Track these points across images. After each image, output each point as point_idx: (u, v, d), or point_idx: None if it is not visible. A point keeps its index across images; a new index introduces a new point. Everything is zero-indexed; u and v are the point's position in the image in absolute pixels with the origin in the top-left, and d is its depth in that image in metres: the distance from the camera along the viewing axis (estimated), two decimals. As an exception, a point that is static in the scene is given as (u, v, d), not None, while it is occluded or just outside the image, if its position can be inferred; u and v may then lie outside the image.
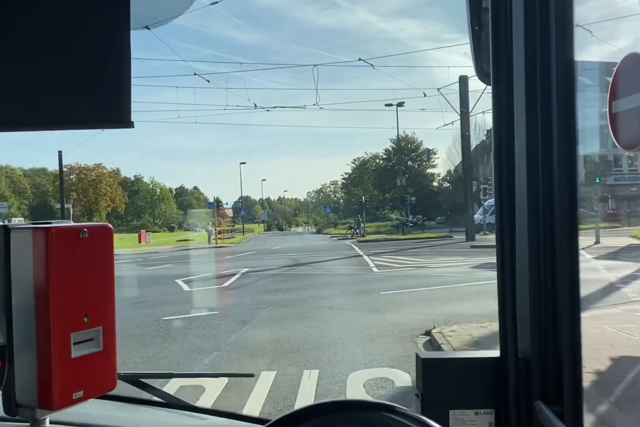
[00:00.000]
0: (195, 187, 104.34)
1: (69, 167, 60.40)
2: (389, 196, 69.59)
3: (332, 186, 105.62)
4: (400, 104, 43.75)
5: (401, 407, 0.87)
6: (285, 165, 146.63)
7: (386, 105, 44.83)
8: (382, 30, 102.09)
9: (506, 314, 1.18)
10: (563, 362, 1.13)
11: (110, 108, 0.95)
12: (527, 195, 1.14)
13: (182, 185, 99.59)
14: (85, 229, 1.07)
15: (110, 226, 1.14)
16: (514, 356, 1.17)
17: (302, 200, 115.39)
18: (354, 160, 75.24)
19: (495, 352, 1.20)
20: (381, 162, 72.04)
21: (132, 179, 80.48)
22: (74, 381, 1.06)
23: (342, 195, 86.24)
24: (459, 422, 1.19)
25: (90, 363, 1.09)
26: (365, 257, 20.50)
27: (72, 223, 1.09)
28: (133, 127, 0.97)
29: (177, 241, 41.94)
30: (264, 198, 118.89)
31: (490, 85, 1.18)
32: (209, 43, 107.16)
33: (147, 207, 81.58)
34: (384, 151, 71.72)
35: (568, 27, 1.10)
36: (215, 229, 38.92)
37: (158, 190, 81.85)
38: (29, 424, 1.08)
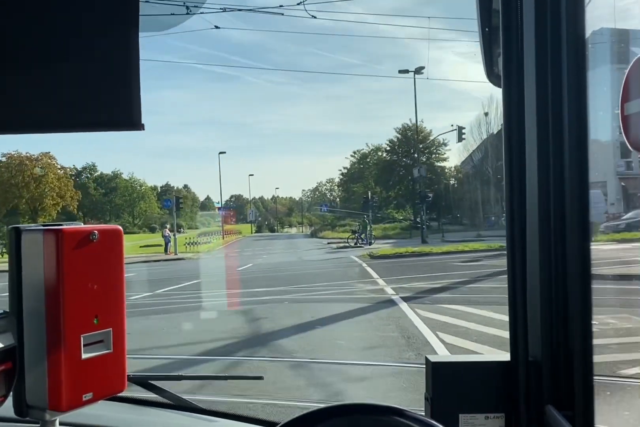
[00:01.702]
0: (185, 186, 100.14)
1: (7, 156, 47.62)
2: (392, 194, 63.26)
3: (328, 184, 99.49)
4: (418, 71, 31.23)
5: (411, 411, 0.89)
6: (281, 164, 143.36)
7: (400, 72, 32.27)
8: (378, 29, 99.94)
9: (517, 318, 1.21)
10: (574, 366, 1.14)
11: (120, 110, 0.98)
12: (539, 197, 1.16)
13: (167, 182, 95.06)
14: (95, 231, 1.10)
15: (120, 228, 1.17)
16: (524, 359, 1.19)
17: (297, 199, 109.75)
18: (354, 153, 67.93)
19: (505, 356, 1.22)
20: (384, 155, 64.94)
21: (110, 174, 74.10)
22: (84, 382, 1.09)
23: (339, 193, 75.33)
24: (469, 426, 1.20)
25: (100, 365, 1.11)
26: (405, 306, 9.99)
27: (82, 225, 1.12)
28: (143, 129, 0.99)
29: (141, 247, 35.63)
30: (253, 196, 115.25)
31: (500, 87, 1.20)
32: (204, 41, 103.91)
33: (126, 206, 75.07)
34: (387, 142, 64.26)
35: (579, 29, 1.11)
36: (175, 236, 27.00)
37: (138, 187, 75.81)
38: (39, 425, 1.11)
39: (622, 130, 1.82)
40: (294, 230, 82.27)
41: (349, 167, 67.66)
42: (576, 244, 1.12)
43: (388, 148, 64.71)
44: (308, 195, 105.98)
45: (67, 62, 0.97)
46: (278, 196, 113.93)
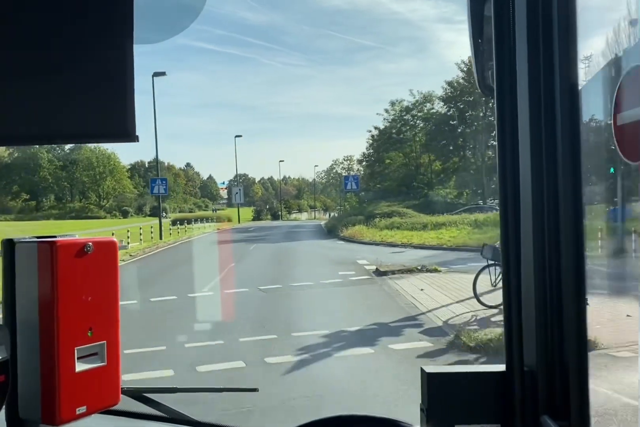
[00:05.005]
0: (188, 164, 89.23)
1: None
2: (451, 165, 39.55)
3: (346, 162, 79.21)
4: None
5: (406, 422, 0.88)
6: (294, 145, 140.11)
7: None
8: (393, 11, 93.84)
9: (512, 326, 1.20)
10: (570, 375, 1.14)
11: (114, 122, 0.96)
12: (532, 208, 1.16)
13: (155, 157, 72.81)
14: (90, 243, 1.09)
15: (116, 240, 1.15)
16: (519, 369, 1.18)
17: (310, 180, 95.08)
18: (391, 104, 40.03)
19: (500, 366, 1.22)
20: (438, 107, 42.01)
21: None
22: (78, 395, 1.07)
23: (361, 170, 51.57)
24: None
25: (94, 377, 1.09)
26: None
27: (77, 237, 1.11)
28: (137, 141, 0.97)
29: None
30: (261, 177, 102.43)
31: (492, 98, 1.21)
32: (220, 23, 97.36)
33: (91, 182, 59.47)
34: (445, 85, 41.26)
35: (571, 38, 1.12)
36: None
37: (105, 160, 59.20)
38: None
39: (615, 140, 1.76)
40: (304, 216, 62.76)
41: (382, 128, 43.14)
42: (571, 254, 1.13)
43: (445, 97, 40.11)
44: (322, 176, 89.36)
45: (60, 74, 0.95)
46: (289, 177, 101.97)
